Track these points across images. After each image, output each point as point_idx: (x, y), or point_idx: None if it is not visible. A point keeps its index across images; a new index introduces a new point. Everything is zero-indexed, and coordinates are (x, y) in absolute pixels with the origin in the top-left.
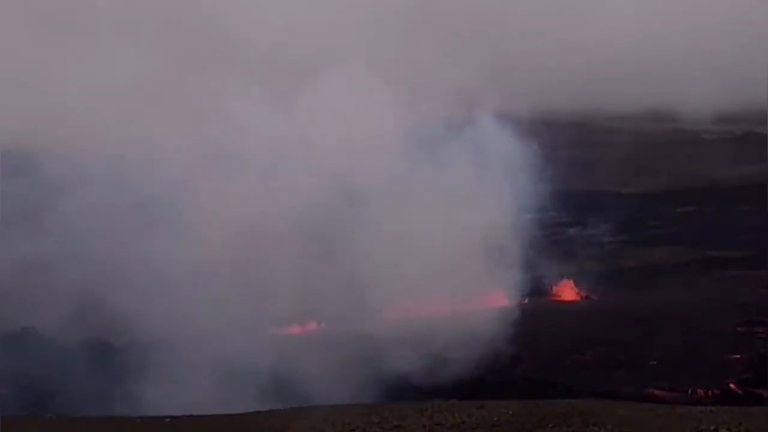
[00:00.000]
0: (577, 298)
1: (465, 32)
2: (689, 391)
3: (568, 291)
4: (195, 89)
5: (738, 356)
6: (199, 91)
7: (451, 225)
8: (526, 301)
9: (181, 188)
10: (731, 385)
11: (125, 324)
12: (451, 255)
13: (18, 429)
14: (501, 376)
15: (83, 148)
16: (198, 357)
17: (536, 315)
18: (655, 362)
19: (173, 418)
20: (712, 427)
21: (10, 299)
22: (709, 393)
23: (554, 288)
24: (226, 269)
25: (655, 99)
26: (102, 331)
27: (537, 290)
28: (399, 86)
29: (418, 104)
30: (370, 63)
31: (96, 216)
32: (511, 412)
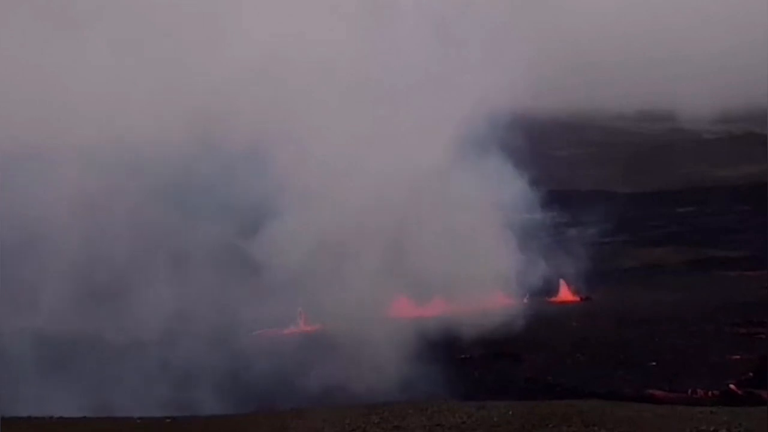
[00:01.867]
0: (577, 298)
1: (463, 32)
2: (689, 392)
3: (567, 291)
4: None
5: (738, 357)
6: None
7: (449, 224)
8: (526, 301)
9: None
10: (731, 386)
11: (122, 322)
12: (450, 255)
13: (18, 429)
14: (501, 376)
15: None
16: (197, 357)
17: (536, 315)
18: (655, 362)
19: (173, 418)
20: (712, 428)
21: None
22: (709, 393)
23: (554, 288)
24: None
25: (654, 99)
26: (99, 329)
27: (537, 290)
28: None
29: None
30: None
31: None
32: (511, 412)
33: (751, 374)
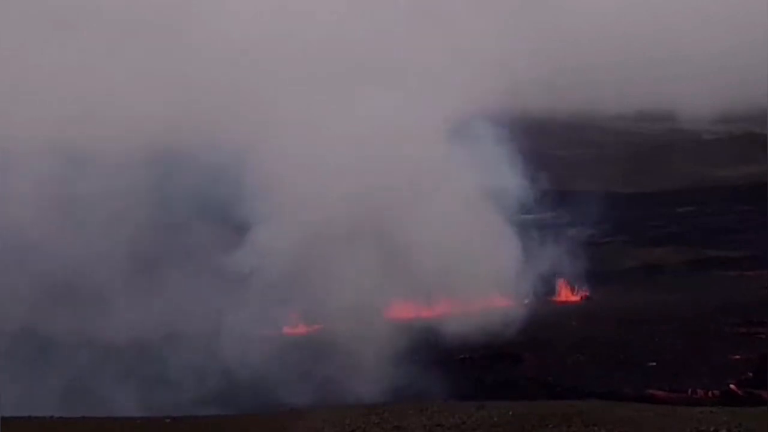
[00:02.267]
0: (577, 298)
1: (463, 32)
2: (689, 392)
3: (567, 291)
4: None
5: (738, 357)
6: None
7: (449, 225)
8: (526, 301)
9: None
10: (731, 386)
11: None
12: (451, 255)
13: (18, 429)
14: (501, 376)
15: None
16: (197, 357)
17: (536, 315)
18: (655, 362)
19: (173, 418)
20: (712, 428)
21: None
22: (710, 393)
23: (554, 288)
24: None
25: (654, 99)
26: (99, 330)
27: (537, 290)
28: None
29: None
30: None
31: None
32: (511, 413)
33: (751, 374)
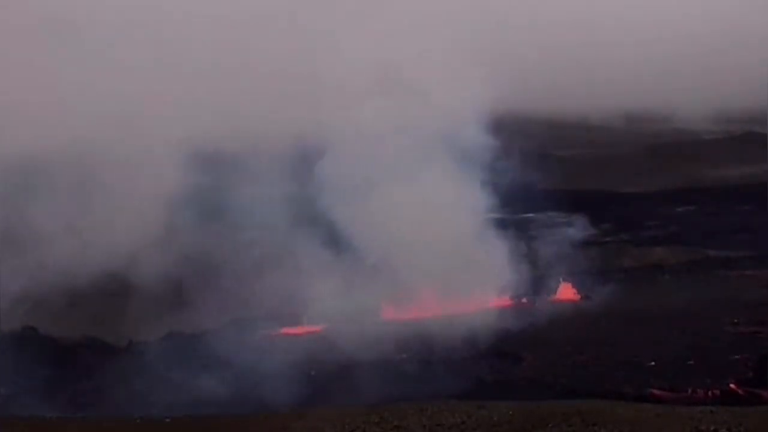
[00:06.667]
0: (577, 298)
1: (463, 31)
2: (689, 391)
3: (567, 291)
4: None
5: (738, 356)
6: None
7: (449, 224)
8: (526, 301)
9: None
10: (731, 386)
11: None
12: (450, 255)
13: (18, 429)
14: (501, 376)
15: None
16: (197, 356)
17: (536, 315)
18: (655, 362)
19: (173, 418)
20: (712, 427)
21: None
22: (709, 393)
23: (554, 288)
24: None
25: (654, 99)
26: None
27: (537, 290)
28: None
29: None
30: None
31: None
32: (511, 412)
33: (751, 374)
